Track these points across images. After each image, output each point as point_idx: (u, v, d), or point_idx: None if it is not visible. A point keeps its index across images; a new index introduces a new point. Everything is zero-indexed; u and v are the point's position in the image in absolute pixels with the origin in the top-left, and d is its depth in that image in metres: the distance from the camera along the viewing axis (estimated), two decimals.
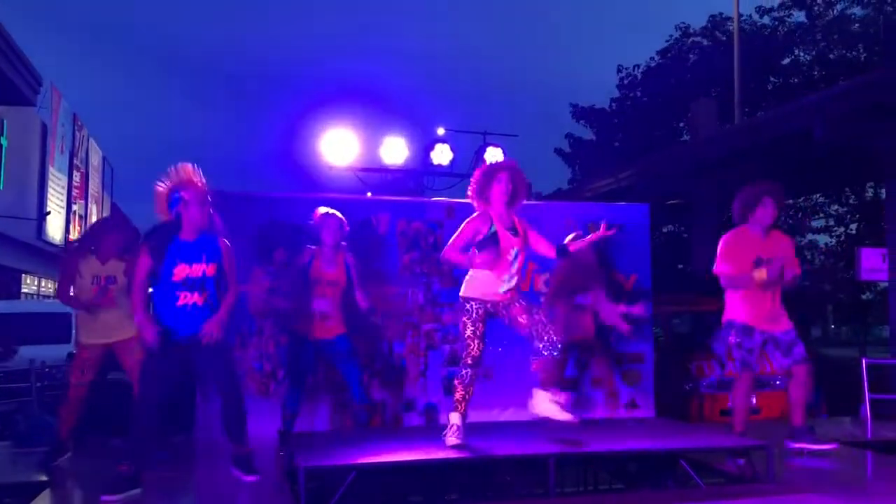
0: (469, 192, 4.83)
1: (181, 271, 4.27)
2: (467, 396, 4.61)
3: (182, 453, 5.32)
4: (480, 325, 4.64)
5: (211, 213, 4.40)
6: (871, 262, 11.11)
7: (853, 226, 20.56)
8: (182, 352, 4.30)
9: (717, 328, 5.55)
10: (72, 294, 5.24)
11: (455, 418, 4.57)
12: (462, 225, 4.76)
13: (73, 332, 11.09)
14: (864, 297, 21.21)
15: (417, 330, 6.32)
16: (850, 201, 20.06)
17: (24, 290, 20.64)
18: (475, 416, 5.84)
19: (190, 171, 4.36)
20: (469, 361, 4.61)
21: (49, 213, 19.43)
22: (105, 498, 3.95)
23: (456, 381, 4.67)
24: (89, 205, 25.03)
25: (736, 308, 5.21)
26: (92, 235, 5.50)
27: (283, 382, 5.80)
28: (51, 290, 22.98)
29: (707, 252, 15.99)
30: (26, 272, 20.87)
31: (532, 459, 4.46)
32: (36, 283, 22.38)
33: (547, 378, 4.71)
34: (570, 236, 6.13)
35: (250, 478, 4.33)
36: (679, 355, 8.84)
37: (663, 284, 10.27)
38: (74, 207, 22.66)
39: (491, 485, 4.66)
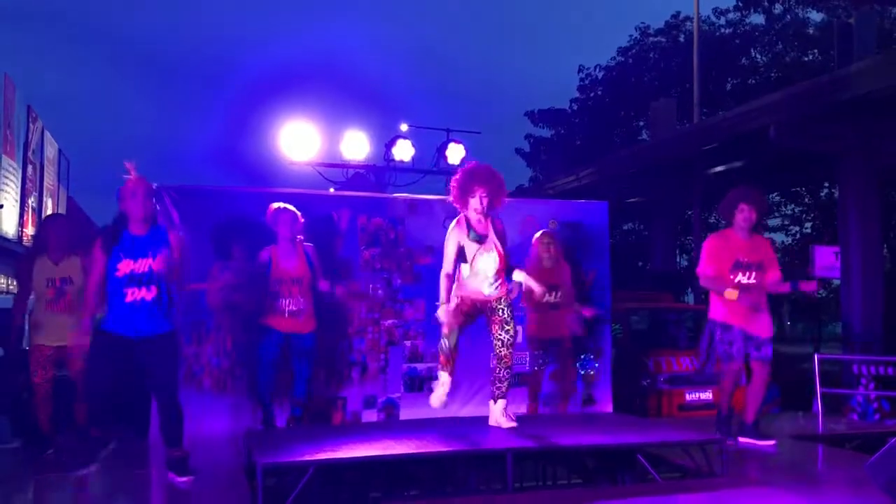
0: (450, 194, 4.93)
1: (125, 266, 4.19)
2: (451, 359, 4.92)
3: (138, 453, 5.25)
4: (465, 308, 4.82)
5: (154, 206, 4.36)
6: (825, 260, 11.34)
7: (808, 224, 21.00)
8: (131, 349, 4.21)
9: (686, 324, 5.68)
10: (28, 306, 5.13)
11: (443, 377, 4.94)
12: (446, 241, 4.80)
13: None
14: (818, 294, 21.67)
15: (378, 326, 6.31)
16: (806, 201, 20.48)
17: None
18: (435, 412, 5.87)
19: (128, 166, 4.29)
20: (445, 332, 4.85)
21: (2, 206, 18.95)
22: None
23: (438, 349, 5.02)
24: (45, 198, 24.49)
25: (717, 308, 5.38)
26: (41, 235, 5.38)
27: (243, 379, 5.76)
28: (3, 285, 22.46)
29: (665, 249, 16.30)
30: None
31: (490, 454, 4.48)
32: None
33: (498, 392, 4.88)
34: (538, 234, 6.20)
35: (184, 479, 4.24)
36: (637, 351, 8.95)
37: (622, 281, 10.41)
38: (29, 201, 22.15)
39: (450, 480, 4.66)
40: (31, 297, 5.17)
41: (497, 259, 4.76)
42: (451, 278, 4.77)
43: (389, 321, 6.34)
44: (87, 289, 4.35)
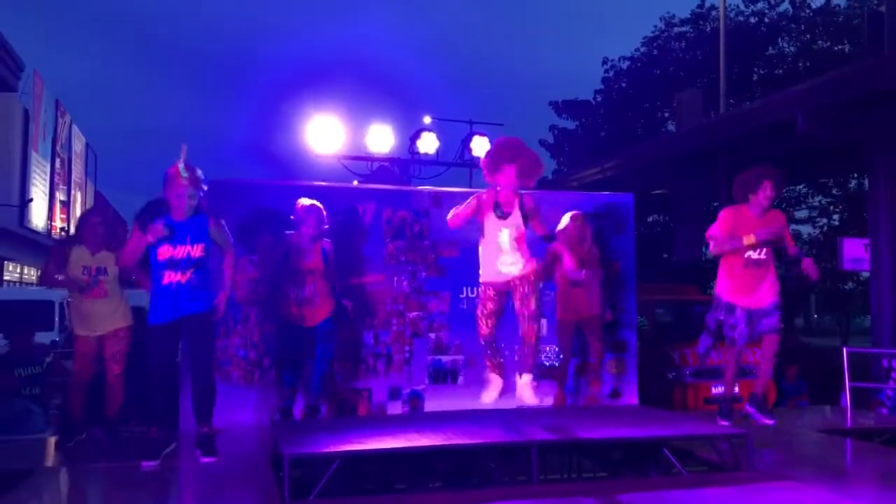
0: (482, 162, 4.95)
1: (165, 252, 4.41)
2: (497, 361, 4.97)
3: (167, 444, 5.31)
4: (490, 304, 4.86)
5: (198, 194, 4.47)
6: (854, 252, 11.20)
7: (836, 216, 20.71)
8: (177, 332, 4.51)
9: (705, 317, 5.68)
10: (59, 278, 5.22)
11: (493, 378, 4.96)
12: (470, 198, 4.87)
13: (56, 319, 11.08)
14: (846, 287, 21.40)
15: (402, 318, 6.33)
16: (834, 192, 20.19)
17: (6, 278, 20.46)
18: (459, 404, 5.89)
19: (183, 147, 4.45)
20: (481, 342, 4.96)
21: (31, 200, 19.23)
22: (145, 463, 4.31)
23: (486, 360, 5.05)
24: (73, 192, 24.82)
25: (722, 283, 5.41)
26: (81, 226, 5.48)
27: (270, 370, 5.82)
28: (33, 277, 22.81)
29: (690, 241, 16.14)
30: (8, 259, 20.69)
31: (515, 447, 4.48)
32: (18, 270, 22.20)
33: (525, 367, 4.86)
34: (570, 213, 6.22)
35: (208, 459, 4.46)
36: (662, 344, 8.90)
37: (647, 274, 10.35)
38: (57, 194, 22.45)
39: (475, 472, 4.68)
40: (60, 278, 5.24)
41: (513, 235, 4.75)
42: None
43: (414, 313, 6.35)
44: (123, 260, 4.67)
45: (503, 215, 4.76)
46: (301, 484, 4.02)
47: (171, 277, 4.42)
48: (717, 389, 8.53)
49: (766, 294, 5.31)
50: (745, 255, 5.26)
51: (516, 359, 4.99)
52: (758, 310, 5.29)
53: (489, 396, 4.97)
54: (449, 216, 4.92)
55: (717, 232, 5.38)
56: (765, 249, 5.29)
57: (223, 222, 4.68)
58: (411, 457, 4.47)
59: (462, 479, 4.71)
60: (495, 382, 4.95)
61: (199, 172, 4.48)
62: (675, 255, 16.32)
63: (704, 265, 16.39)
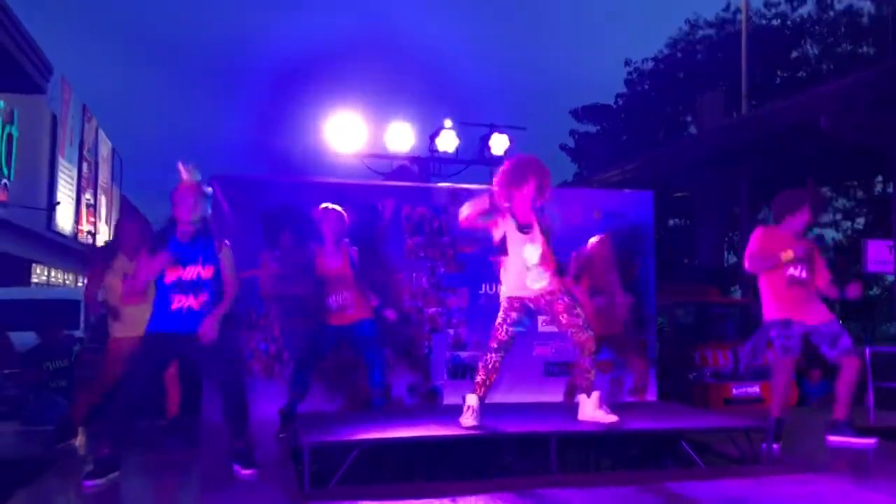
0: (495, 181, 4.73)
1: (173, 273, 4.19)
2: (488, 381, 4.65)
3: (188, 436, 5.38)
4: (512, 313, 4.66)
5: (205, 211, 4.30)
6: (878, 254, 11.09)
7: (860, 220, 20.51)
8: (179, 345, 4.22)
9: (726, 319, 5.54)
10: (100, 299, 5.29)
11: (471, 400, 4.57)
12: (494, 231, 4.70)
13: (82, 318, 11.24)
14: (870, 293, 21.15)
15: (421, 314, 6.38)
16: (858, 196, 20.01)
17: (33, 280, 20.75)
18: None
19: (180, 168, 4.27)
20: (494, 345, 4.67)
21: (59, 203, 19.52)
22: (87, 483, 3.94)
23: (479, 364, 4.72)
24: (98, 196, 25.14)
25: (770, 308, 5.16)
26: (116, 235, 5.54)
27: (290, 364, 5.87)
28: (59, 281, 23.11)
29: (711, 246, 16.04)
30: (36, 262, 20.98)
31: (534, 438, 4.49)
32: (45, 273, 22.50)
33: (585, 383, 4.68)
34: (596, 238, 6.18)
35: (248, 472, 4.20)
36: (683, 345, 8.88)
37: (668, 278, 10.31)
38: (86, 197, 22.75)
39: (494, 463, 4.70)
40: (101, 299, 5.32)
41: (541, 250, 4.62)
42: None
43: (433, 309, 6.40)
44: (133, 286, 4.51)
45: (525, 230, 4.64)
46: (321, 475, 4.06)
47: (181, 302, 4.18)
48: (739, 390, 8.50)
49: (819, 310, 5.10)
50: (788, 274, 5.06)
51: (576, 375, 4.78)
52: (822, 329, 5.06)
53: (468, 420, 4.50)
54: (461, 216, 4.75)
55: (753, 251, 5.15)
56: (804, 268, 5.08)
57: (230, 249, 4.43)
58: (430, 447, 4.51)
59: (481, 471, 4.73)
60: (473, 402, 4.55)
61: (207, 189, 4.33)
62: (697, 259, 16.24)
63: (726, 270, 16.30)
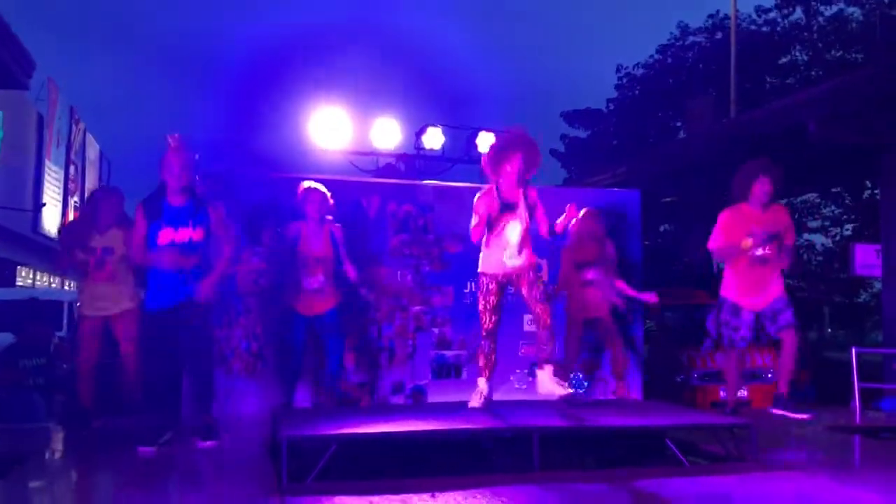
0: (483, 160, 4.93)
1: (166, 235, 4.35)
2: (489, 363, 4.94)
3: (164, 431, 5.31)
4: (492, 297, 4.87)
5: (193, 176, 4.52)
6: (865, 258, 11.06)
7: (849, 226, 20.57)
8: (170, 319, 4.39)
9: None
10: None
11: (481, 384, 4.94)
12: (475, 206, 4.81)
13: (65, 320, 11.12)
14: (859, 299, 21.20)
15: (406, 312, 6.31)
16: (846, 202, 20.06)
17: (18, 283, 20.58)
18: (462, 399, 5.83)
19: (170, 138, 4.42)
20: (483, 334, 4.93)
21: (45, 204, 19.37)
22: (143, 449, 4.25)
23: (477, 352, 5.03)
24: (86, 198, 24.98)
25: (728, 284, 5.32)
26: (89, 206, 5.50)
27: (273, 359, 5.80)
28: (45, 283, 22.92)
29: (700, 249, 15.98)
30: (21, 265, 20.82)
31: (517, 434, 4.43)
32: (31, 275, 22.33)
33: (543, 356, 4.87)
34: (582, 211, 6.13)
35: (208, 443, 4.45)
36: (671, 347, 8.84)
37: (656, 284, 10.27)
38: (73, 200, 22.60)
39: (476, 460, 4.63)
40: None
41: (522, 228, 4.77)
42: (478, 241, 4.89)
43: (417, 307, 6.33)
44: (130, 253, 4.62)
45: (510, 207, 4.74)
46: (299, 471, 3.98)
47: (175, 264, 4.38)
48: (725, 393, 8.46)
49: (772, 290, 5.21)
50: (750, 254, 5.18)
51: (522, 354, 5.09)
52: (767, 309, 5.19)
53: (475, 401, 4.91)
54: (473, 235, 4.86)
55: (716, 240, 5.31)
56: (768, 246, 5.20)
57: (223, 211, 4.67)
58: (412, 443, 4.44)
59: (463, 467, 4.66)
60: (482, 386, 4.94)
61: (193, 156, 4.53)
62: (686, 265, 16.24)
63: (715, 276, 16.29)
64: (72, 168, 22.58)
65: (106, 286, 5.12)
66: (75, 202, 23.17)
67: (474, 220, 4.79)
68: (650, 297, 6.16)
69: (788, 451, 4.91)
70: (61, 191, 21.44)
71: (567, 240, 5.91)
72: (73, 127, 22.55)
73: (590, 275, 5.97)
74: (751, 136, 11.70)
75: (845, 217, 20.59)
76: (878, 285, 13.79)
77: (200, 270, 4.44)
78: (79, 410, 5.27)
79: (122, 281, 5.15)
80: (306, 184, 5.54)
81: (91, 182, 26.00)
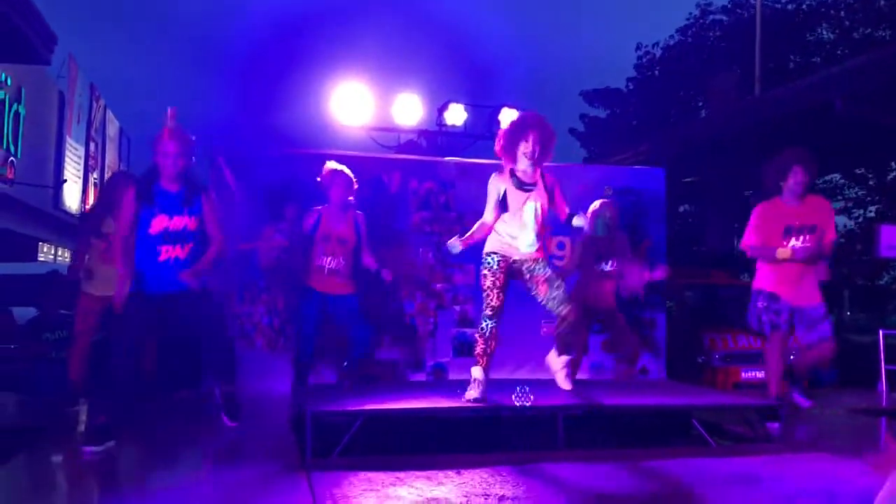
0: (496, 146, 4.63)
1: (160, 223, 4.11)
2: (488, 350, 4.49)
3: (186, 408, 5.34)
4: (501, 275, 4.50)
5: (189, 161, 4.22)
6: (891, 240, 10.91)
7: (872, 208, 20.30)
8: (158, 306, 4.14)
9: (743, 301, 5.44)
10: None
11: (476, 372, 4.48)
12: (489, 188, 4.59)
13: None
14: (881, 282, 20.97)
15: (427, 290, 6.28)
16: (870, 183, 19.79)
17: (40, 258, 20.75)
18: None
19: (170, 111, 4.19)
20: (488, 312, 4.48)
21: (66, 181, 19.47)
22: (86, 448, 3.90)
23: (476, 335, 4.56)
24: (106, 175, 25.09)
25: (763, 277, 5.12)
26: (108, 192, 5.49)
27: (293, 337, 5.79)
28: (66, 259, 23.09)
29: (722, 232, 15.87)
30: (43, 241, 20.97)
31: (541, 413, 4.40)
32: (52, 251, 22.50)
33: (559, 344, 4.73)
34: (596, 204, 6.00)
35: (235, 423, 4.38)
36: (692, 328, 8.77)
37: (677, 260, 10.18)
38: (93, 177, 22.71)
39: (499, 437, 4.61)
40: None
41: (541, 211, 4.51)
42: (487, 229, 4.56)
43: (439, 285, 6.30)
44: (116, 237, 4.27)
45: (527, 188, 4.52)
46: (323, 447, 3.98)
47: (168, 252, 4.10)
48: (748, 374, 8.39)
49: (810, 291, 5.00)
50: (789, 246, 4.97)
51: (544, 333, 4.81)
52: (804, 310, 4.98)
53: (474, 392, 4.44)
54: (487, 217, 4.60)
55: (750, 238, 5.12)
56: (808, 236, 4.97)
57: (215, 197, 4.40)
58: (435, 420, 4.43)
59: (487, 444, 4.64)
60: (478, 375, 4.49)
61: (189, 136, 4.22)
62: (707, 245, 16.09)
63: (736, 256, 16.13)
64: (92, 145, 22.64)
65: (110, 269, 5.09)
66: (95, 179, 23.29)
67: (489, 203, 4.55)
68: (660, 274, 6.02)
69: (815, 432, 4.85)
70: (82, 167, 21.53)
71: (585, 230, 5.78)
72: (94, 104, 22.59)
73: (607, 266, 5.88)
74: (775, 115, 11.56)
75: (869, 199, 20.33)
76: None
77: (194, 258, 4.19)
78: (69, 385, 5.27)
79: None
80: (331, 165, 5.37)
81: (111, 159, 26.12)
